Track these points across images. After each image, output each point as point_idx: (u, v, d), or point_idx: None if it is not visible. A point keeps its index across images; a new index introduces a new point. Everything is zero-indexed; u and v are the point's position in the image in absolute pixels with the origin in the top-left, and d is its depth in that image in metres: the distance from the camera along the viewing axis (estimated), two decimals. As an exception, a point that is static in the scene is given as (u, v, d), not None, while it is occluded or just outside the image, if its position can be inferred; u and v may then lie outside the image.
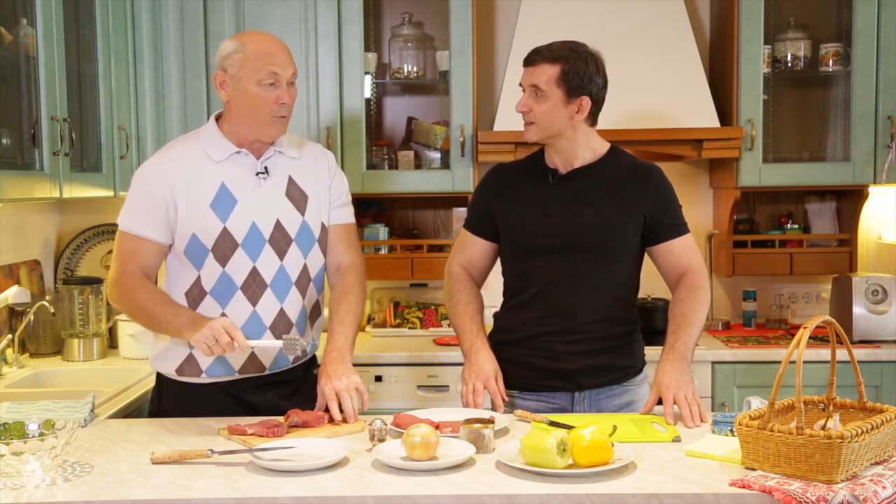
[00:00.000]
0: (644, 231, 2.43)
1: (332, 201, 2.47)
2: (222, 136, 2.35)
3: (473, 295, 2.55)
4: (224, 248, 2.32)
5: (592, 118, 2.43)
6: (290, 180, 2.40)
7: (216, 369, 2.35)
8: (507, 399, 2.41)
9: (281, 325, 2.38)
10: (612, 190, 2.42)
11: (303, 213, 2.40)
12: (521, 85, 2.44)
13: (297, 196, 2.40)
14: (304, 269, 2.42)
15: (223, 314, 2.33)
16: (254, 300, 2.36)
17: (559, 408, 2.44)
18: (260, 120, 2.30)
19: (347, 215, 2.51)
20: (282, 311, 2.38)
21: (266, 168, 2.37)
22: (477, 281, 2.59)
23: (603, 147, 2.48)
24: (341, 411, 2.24)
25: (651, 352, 2.56)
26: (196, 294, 2.34)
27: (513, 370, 2.47)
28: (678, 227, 2.46)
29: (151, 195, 2.32)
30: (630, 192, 2.43)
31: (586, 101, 2.38)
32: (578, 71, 2.36)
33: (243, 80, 2.27)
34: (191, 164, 2.33)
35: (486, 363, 2.42)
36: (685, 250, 2.45)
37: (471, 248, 2.57)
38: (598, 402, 2.45)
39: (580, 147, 2.44)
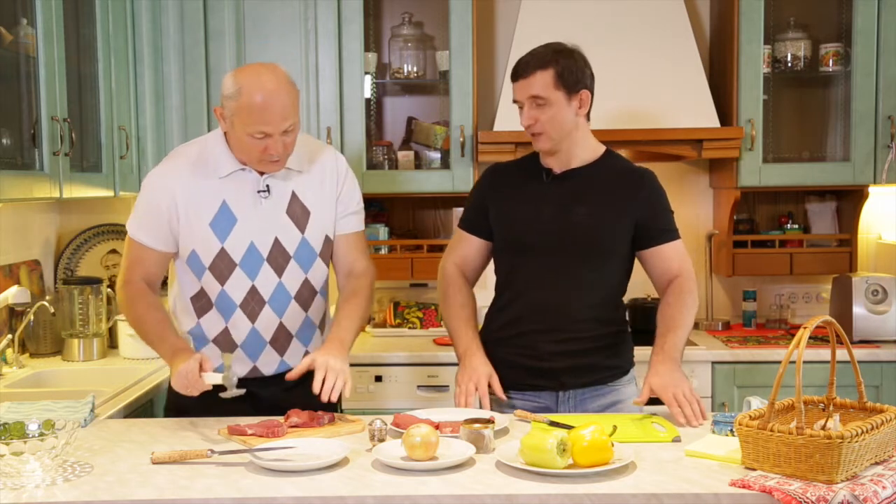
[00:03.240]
0: (634, 235, 2.44)
1: (341, 212, 2.46)
2: (228, 150, 2.35)
3: (467, 297, 2.56)
4: (221, 267, 2.36)
5: (588, 112, 2.44)
6: (293, 196, 2.39)
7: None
8: (504, 400, 2.41)
9: (281, 339, 2.43)
10: (604, 192, 2.43)
11: (303, 231, 2.40)
12: (516, 101, 2.42)
13: (298, 213, 2.39)
14: (306, 282, 2.43)
15: (226, 328, 2.40)
16: (252, 317, 2.40)
17: (543, 407, 2.44)
18: (251, 160, 2.32)
19: (358, 223, 2.51)
20: (281, 325, 2.42)
21: (268, 186, 2.36)
22: (470, 280, 2.60)
23: (599, 149, 2.49)
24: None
25: (647, 352, 2.56)
26: (204, 303, 2.41)
27: (499, 369, 2.48)
28: (669, 233, 2.45)
29: (155, 207, 2.35)
30: (622, 194, 2.43)
31: (586, 95, 2.39)
32: (570, 68, 2.36)
33: (236, 125, 2.26)
34: (194, 179, 2.34)
35: (480, 366, 2.42)
36: (675, 255, 2.45)
37: (466, 246, 2.57)
38: (582, 401, 2.45)
39: (579, 146, 2.44)
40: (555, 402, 2.45)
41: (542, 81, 2.36)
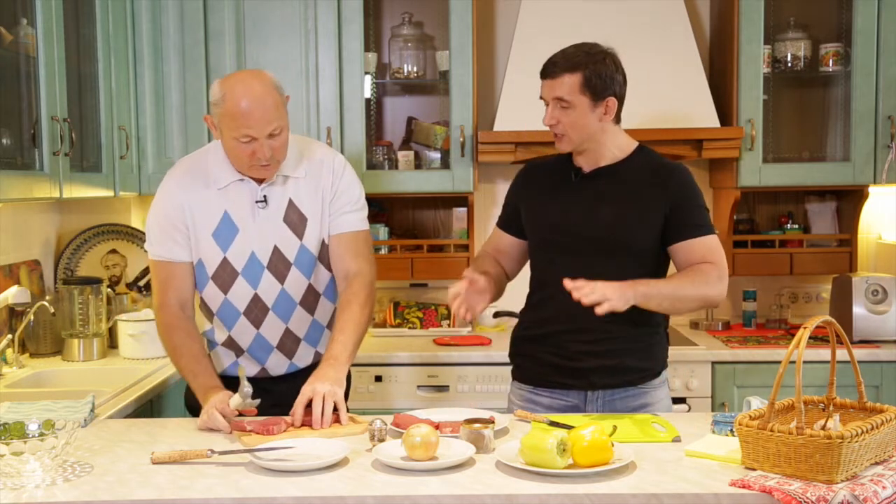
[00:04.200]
0: (664, 231, 2.39)
1: (334, 212, 2.42)
2: (226, 161, 2.36)
3: (492, 258, 2.53)
4: (224, 276, 2.39)
5: (618, 116, 2.42)
6: (290, 203, 2.39)
7: (232, 371, 2.46)
8: (479, 279, 2.32)
9: (288, 343, 2.47)
10: (633, 189, 2.40)
11: (301, 237, 2.40)
12: (542, 98, 2.41)
13: (295, 220, 2.39)
14: (310, 288, 2.44)
15: (230, 337, 2.44)
16: (257, 323, 2.43)
17: (572, 405, 2.44)
18: (242, 166, 2.32)
19: (356, 222, 2.45)
20: (287, 331, 2.45)
21: (265, 197, 2.37)
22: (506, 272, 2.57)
23: (630, 145, 2.46)
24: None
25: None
26: (207, 311, 2.46)
27: (529, 366, 2.49)
28: (701, 228, 2.38)
29: (167, 219, 2.38)
30: (651, 191, 2.39)
31: (612, 102, 2.36)
32: (600, 74, 2.33)
33: (223, 131, 2.27)
34: (196, 191, 2.37)
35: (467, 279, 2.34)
36: (705, 250, 2.36)
37: (499, 241, 2.58)
38: (611, 402, 2.43)
39: (607, 147, 2.42)
40: (583, 402, 2.44)
41: (569, 85, 2.33)
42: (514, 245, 2.56)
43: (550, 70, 2.37)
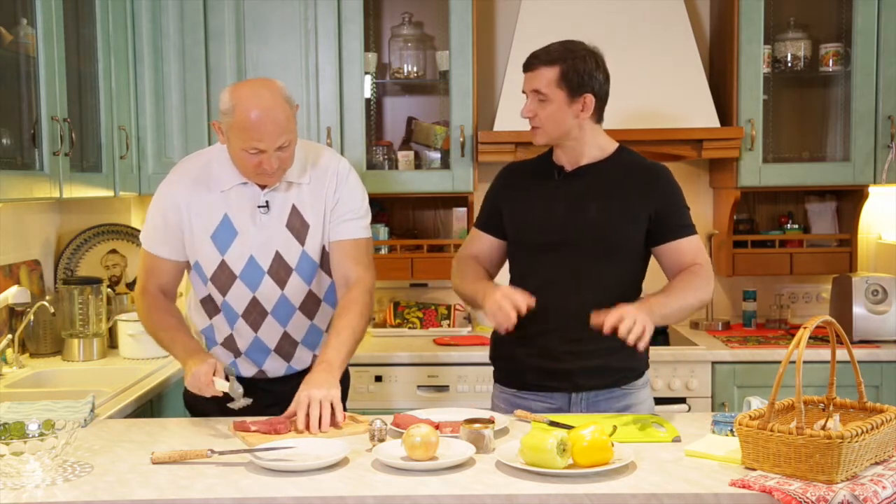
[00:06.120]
0: (649, 231, 2.41)
1: (335, 219, 2.40)
2: (230, 164, 2.35)
3: (481, 267, 2.52)
4: (222, 278, 2.39)
5: (598, 115, 2.42)
6: (293, 209, 2.38)
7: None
8: (532, 303, 2.29)
9: (286, 346, 2.47)
10: (617, 188, 2.41)
11: (303, 243, 2.39)
12: (523, 91, 2.43)
13: (297, 226, 2.39)
14: (310, 294, 2.44)
15: (231, 335, 2.45)
16: (255, 327, 2.43)
17: (556, 408, 2.43)
18: (248, 174, 2.32)
19: (357, 230, 2.42)
20: (285, 334, 2.45)
21: (267, 202, 2.36)
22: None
23: (611, 146, 2.47)
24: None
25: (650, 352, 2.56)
26: (211, 307, 2.46)
27: (512, 368, 2.48)
28: (685, 228, 2.42)
29: (164, 219, 2.39)
30: (636, 190, 2.41)
31: (590, 99, 2.38)
32: (577, 70, 2.35)
33: (231, 140, 2.26)
34: (198, 192, 2.37)
35: (504, 290, 2.31)
36: (691, 250, 2.40)
37: (478, 243, 2.57)
38: (595, 403, 2.43)
39: (587, 145, 2.43)
40: (567, 404, 2.43)
41: (545, 78, 2.35)
42: (494, 246, 2.55)
43: (530, 63, 2.40)
